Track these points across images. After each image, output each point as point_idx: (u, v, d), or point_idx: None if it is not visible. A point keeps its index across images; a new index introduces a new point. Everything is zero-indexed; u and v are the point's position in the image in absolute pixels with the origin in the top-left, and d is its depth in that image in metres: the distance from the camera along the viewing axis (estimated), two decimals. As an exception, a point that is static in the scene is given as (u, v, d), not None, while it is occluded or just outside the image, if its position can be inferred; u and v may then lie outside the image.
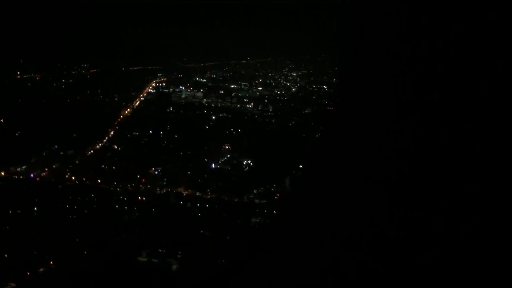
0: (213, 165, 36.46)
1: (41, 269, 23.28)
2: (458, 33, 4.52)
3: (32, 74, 56.41)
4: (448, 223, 4.57)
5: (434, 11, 4.65)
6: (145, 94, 52.94)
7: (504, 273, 4.32)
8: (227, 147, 39.14)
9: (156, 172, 33.78)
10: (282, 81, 63.07)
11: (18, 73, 56.10)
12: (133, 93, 52.60)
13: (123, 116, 45.32)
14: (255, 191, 32.52)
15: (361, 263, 4.95)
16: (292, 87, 60.40)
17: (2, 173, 32.47)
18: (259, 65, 71.87)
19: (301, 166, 34.14)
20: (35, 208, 27.89)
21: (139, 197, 31.11)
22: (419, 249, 4.67)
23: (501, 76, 4.37)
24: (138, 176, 33.43)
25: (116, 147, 38.67)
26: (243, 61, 73.73)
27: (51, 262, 23.73)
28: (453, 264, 4.51)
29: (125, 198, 30.65)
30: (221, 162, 37.01)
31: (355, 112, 5.47)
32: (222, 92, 54.85)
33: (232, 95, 53.78)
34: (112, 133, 41.15)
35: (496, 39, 4.39)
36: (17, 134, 38.74)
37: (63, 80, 55.22)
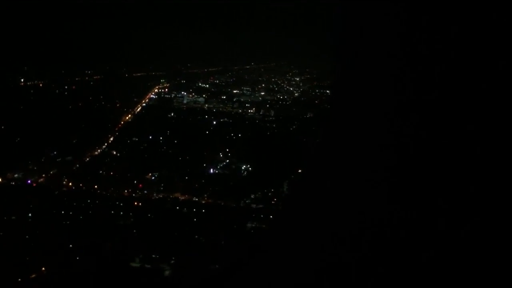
0: (211, 170, 36.36)
1: (33, 275, 23.22)
2: (458, 33, 4.48)
3: (36, 81, 56.67)
4: (448, 223, 4.53)
5: (434, 11, 4.61)
6: (147, 100, 53.07)
7: (504, 273, 4.23)
8: (226, 152, 39.06)
9: (153, 178, 33.75)
10: (285, 86, 63.10)
11: (22, 80, 56.40)
12: (135, 99, 52.76)
13: (123, 122, 45.40)
14: (252, 196, 32.38)
15: (361, 263, 4.88)
16: (295, 91, 60.42)
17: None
18: (262, 70, 71.96)
19: (300, 171, 34.06)
20: (29, 214, 27.88)
21: (135, 203, 31.05)
22: (419, 249, 4.61)
23: (501, 76, 4.34)
24: (135, 182, 33.42)
25: (115, 152, 38.68)
26: (247, 66, 73.79)
27: (43, 268, 23.67)
28: (453, 264, 4.46)
29: (121, 204, 30.59)
30: (220, 167, 36.90)
31: (354, 112, 5.45)
32: (224, 97, 54.91)
33: (234, 100, 53.76)
34: (111, 139, 41.20)
35: (496, 39, 4.35)
36: (16, 140, 38.82)
37: (66, 87, 55.44)
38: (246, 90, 57.92)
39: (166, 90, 57.48)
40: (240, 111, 50.95)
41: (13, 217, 27.48)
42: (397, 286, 4.64)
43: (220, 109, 51.14)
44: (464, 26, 4.38)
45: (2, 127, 40.97)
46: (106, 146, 39.81)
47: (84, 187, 32.59)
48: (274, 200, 31.72)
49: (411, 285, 4.58)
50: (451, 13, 4.46)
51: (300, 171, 33.54)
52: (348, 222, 5.10)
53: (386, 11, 4.92)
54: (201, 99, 53.56)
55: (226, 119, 47.74)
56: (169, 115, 48.43)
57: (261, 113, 50.14)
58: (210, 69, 69.61)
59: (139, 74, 64.34)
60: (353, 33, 5.32)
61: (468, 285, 4.33)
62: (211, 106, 52.01)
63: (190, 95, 54.74)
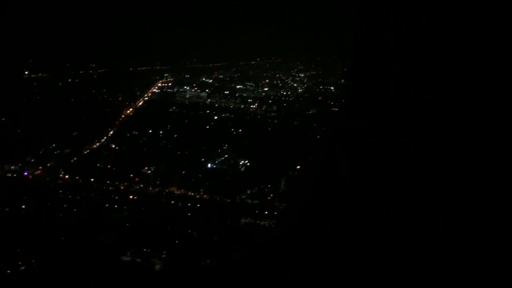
0: (209, 165, 36.23)
1: (22, 268, 23.19)
2: (458, 33, 4.44)
3: (40, 74, 56.80)
4: (448, 223, 4.53)
5: (435, 11, 4.56)
6: (149, 94, 53.01)
7: (504, 273, 4.06)
8: (226, 147, 38.91)
9: (149, 171, 33.67)
10: (289, 82, 62.70)
11: (26, 72, 56.54)
12: (137, 93, 52.74)
13: (124, 116, 45.37)
14: (248, 192, 32.22)
15: (360, 263, 4.79)
16: (299, 88, 60.06)
17: (-3, 172, 32.70)
18: (268, 66, 71.57)
19: (298, 167, 33.87)
20: (23, 206, 27.89)
21: (130, 196, 31.02)
22: (419, 249, 4.59)
23: (501, 76, 4.28)
24: (132, 175, 33.36)
25: (114, 146, 38.67)
26: (252, 62, 73.38)
27: (33, 261, 23.63)
28: (453, 264, 4.42)
29: (116, 197, 30.60)
30: (218, 162, 36.75)
31: (357, 112, 5.45)
32: (227, 92, 54.71)
33: (237, 95, 53.57)
34: (111, 132, 41.16)
35: (496, 39, 4.27)
36: (17, 132, 38.87)
37: (69, 80, 55.51)
38: (250, 85, 57.69)
39: (170, 84, 57.39)
40: (242, 106, 50.75)
41: (7, 209, 27.51)
42: (397, 285, 4.57)
43: (222, 104, 50.98)
44: (464, 26, 4.35)
45: (3, 119, 41.05)
46: (105, 139, 39.79)
47: (80, 180, 32.57)
48: (270, 196, 31.55)
49: (411, 285, 4.53)
50: (451, 13, 4.44)
51: (297, 168, 33.38)
52: (349, 222, 5.05)
53: (390, 12, 4.94)
54: (203, 94, 53.38)
55: (227, 114, 47.61)
56: (170, 110, 48.36)
57: (263, 108, 49.94)
58: (215, 64, 69.32)
59: (143, 68, 64.27)
60: (360, 34, 5.36)
61: (468, 285, 4.26)
62: (214, 101, 51.84)
63: (193, 90, 54.62)
